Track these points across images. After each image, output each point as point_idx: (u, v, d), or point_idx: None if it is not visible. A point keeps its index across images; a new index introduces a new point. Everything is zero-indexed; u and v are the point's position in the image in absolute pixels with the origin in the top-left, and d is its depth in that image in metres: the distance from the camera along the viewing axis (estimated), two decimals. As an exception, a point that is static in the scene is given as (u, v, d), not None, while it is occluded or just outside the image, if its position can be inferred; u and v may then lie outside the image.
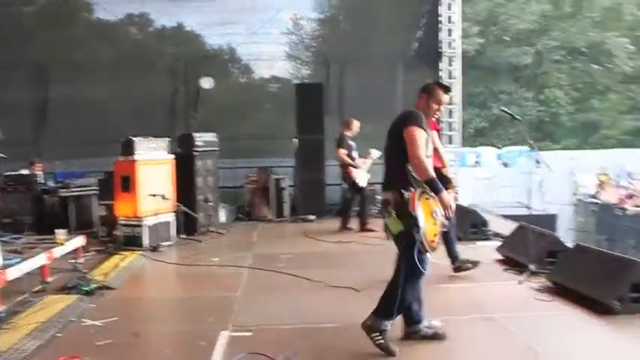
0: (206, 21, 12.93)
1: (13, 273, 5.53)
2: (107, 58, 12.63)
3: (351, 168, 9.76)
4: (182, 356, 4.36)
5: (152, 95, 12.40)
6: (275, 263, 7.56)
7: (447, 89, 4.73)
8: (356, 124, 10.10)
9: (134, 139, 8.61)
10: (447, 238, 6.71)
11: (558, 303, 5.68)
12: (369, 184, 10.11)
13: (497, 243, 8.09)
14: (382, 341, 4.39)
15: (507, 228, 8.62)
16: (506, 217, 11.12)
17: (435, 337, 4.68)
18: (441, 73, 13.23)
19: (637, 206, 14.72)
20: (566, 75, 36.88)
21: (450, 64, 13.34)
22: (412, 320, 4.68)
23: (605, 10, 36.99)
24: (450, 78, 13.30)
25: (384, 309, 4.44)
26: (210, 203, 10.00)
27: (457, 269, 6.75)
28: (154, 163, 8.86)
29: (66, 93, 12.06)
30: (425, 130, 4.38)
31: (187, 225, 9.59)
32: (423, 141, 4.32)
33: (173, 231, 9.13)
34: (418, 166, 4.24)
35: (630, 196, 15.31)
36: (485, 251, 7.76)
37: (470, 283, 6.53)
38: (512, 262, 7.17)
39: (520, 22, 35.81)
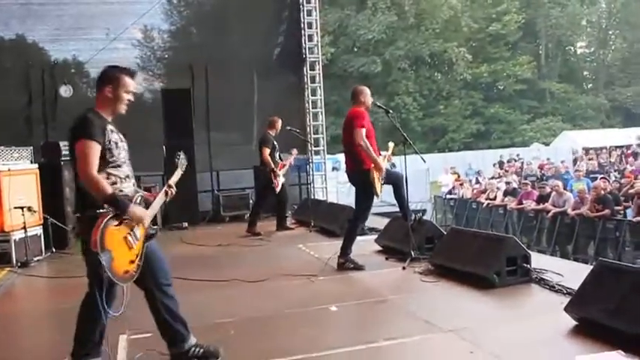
0: (49, 34, 12.44)
1: None
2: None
3: (275, 173, 9.66)
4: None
5: (1, 105, 11.63)
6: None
7: (132, 73, 4.06)
8: (278, 123, 10.01)
9: (-5, 148, 8.06)
10: (350, 234, 6.90)
11: (443, 282, 5.98)
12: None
13: (373, 236, 8.35)
14: None
15: (379, 223, 8.95)
16: (376, 214, 11.49)
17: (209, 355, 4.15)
18: (304, 78, 13.54)
19: (489, 199, 15.79)
20: (413, 82, 38.79)
21: (313, 69, 13.68)
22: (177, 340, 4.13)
23: (446, 21, 39.40)
24: (312, 83, 13.64)
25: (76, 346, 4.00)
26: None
27: (341, 265, 6.87)
28: (18, 174, 8.32)
29: None
30: (101, 142, 3.69)
31: (57, 238, 9.07)
32: (94, 155, 3.64)
33: (43, 245, 8.61)
34: (90, 186, 3.61)
35: (484, 191, 16.41)
36: (362, 245, 7.96)
37: (356, 272, 6.68)
38: (392, 251, 7.43)
39: (368, 33, 37.24)
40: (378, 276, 6.57)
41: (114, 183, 3.73)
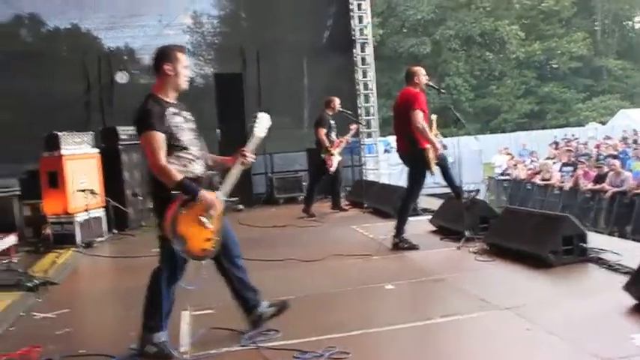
0: (101, 23, 12.72)
1: (-48, 272, 5.28)
2: (4, 57, 12.07)
3: (330, 154, 9.77)
4: (149, 337, 4.29)
5: (61, 93, 11.97)
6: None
7: (183, 49, 4.12)
8: (337, 103, 10.05)
9: (59, 134, 8.35)
10: (402, 213, 6.96)
11: (498, 261, 5.97)
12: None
13: (427, 217, 8.36)
14: (155, 350, 3.99)
15: (433, 204, 8.96)
16: (429, 195, 11.49)
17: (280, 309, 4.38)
18: (355, 59, 13.54)
19: (544, 180, 15.58)
20: (463, 63, 38.26)
21: (363, 50, 13.66)
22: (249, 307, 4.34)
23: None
24: (363, 64, 13.63)
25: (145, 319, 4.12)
26: (139, 197, 9.81)
27: (395, 245, 6.92)
28: (80, 158, 8.63)
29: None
30: (162, 130, 3.78)
31: (118, 220, 9.39)
32: (158, 145, 3.75)
33: (105, 226, 8.91)
34: (160, 175, 3.78)
35: (538, 172, 16.19)
36: (417, 225, 7.98)
37: (411, 252, 6.72)
38: (447, 231, 7.44)
39: (417, 13, 36.84)
40: (432, 255, 6.61)
41: (184, 165, 3.85)
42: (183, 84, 3.98)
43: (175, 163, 3.82)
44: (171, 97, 3.96)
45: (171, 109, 3.89)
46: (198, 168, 3.96)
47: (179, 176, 3.74)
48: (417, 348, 3.99)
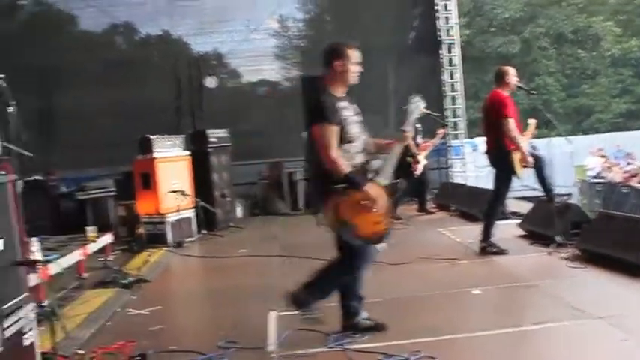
0: (190, 29, 13.08)
1: (54, 268, 5.53)
2: (101, 66, 12.61)
3: (416, 157, 9.73)
4: (237, 335, 4.37)
5: (153, 98, 12.41)
6: (303, 251, 7.58)
7: (354, 45, 4.22)
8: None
9: (151, 137, 8.66)
10: (489, 216, 6.83)
11: (591, 268, 5.75)
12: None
13: (516, 221, 8.15)
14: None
15: (522, 208, 8.72)
16: (518, 198, 11.19)
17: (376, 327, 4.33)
18: (441, 61, 13.38)
19: (641, 183, 14.93)
20: (554, 62, 37.07)
21: (450, 51, 13.48)
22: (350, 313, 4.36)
23: (590, -6, 37.28)
24: (450, 65, 13.44)
25: (315, 290, 4.26)
26: (227, 199, 10.04)
27: (483, 249, 6.78)
28: (171, 160, 8.93)
29: (69, 101, 12.07)
30: (337, 115, 3.93)
31: (207, 221, 9.64)
32: (332, 137, 3.88)
33: (194, 227, 9.17)
34: (330, 167, 3.88)
35: (634, 175, 15.50)
36: (505, 229, 7.79)
37: (499, 257, 6.57)
38: (536, 236, 7.22)
39: (505, 11, 35.97)
40: (521, 260, 6.44)
41: (348, 159, 3.97)
42: (353, 79, 4.14)
43: (342, 155, 3.93)
44: (340, 92, 4.13)
45: (342, 103, 4.06)
46: (359, 161, 4.06)
47: (347, 169, 3.86)
48: (506, 355, 3.89)
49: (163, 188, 8.61)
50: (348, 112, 4.07)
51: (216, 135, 10.03)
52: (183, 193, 8.80)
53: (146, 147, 8.65)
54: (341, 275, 4.28)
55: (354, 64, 4.11)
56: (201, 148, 9.83)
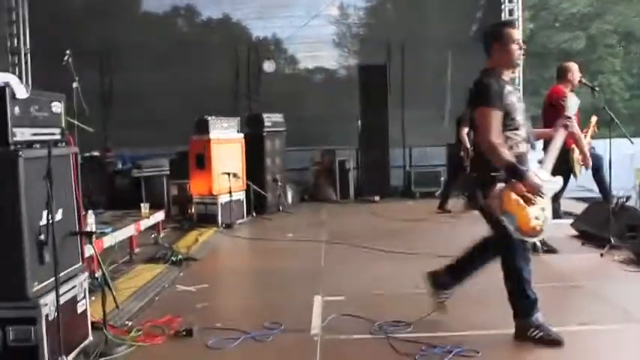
0: (251, 13, 13.18)
1: (107, 241, 5.69)
2: (162, 47, 12.80)
3: (468, 152, 9.64)
4: (281, 317, 4.41)
5: (211, 80, 12.54)
6: (350, 238, 7.62)
7: (512, 24, 4.07)
8: None
9: (208, 118, 8.78)
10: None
11: (647, 272, 5.60)
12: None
13: (569, 221, 7.97)
14: (541, 334, 3.89)
15: (576, 208, 8.54)
16: (572, 198, 10.94)
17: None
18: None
19: None
20: (621, 60, 35.99)
21: (512, 45, 13.19)
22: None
23: (663, -10, 36.00)
24: (512, 59, 13.16)
25: (517, 306, 4.01)
26: (278, 183, 10.12)
27: (533, 247, 6.62)
28: (226, 142, 9.04)
29: (128, 80, 12.30)
30: (502, 98, 3.75)
31: (257, 204, 9.75)
32: (494, 122, 3.72)
33: (245, 209, 9.29)
34: (490, 153, 3.72)
35: (698, 179, 14.95)
36: (558, 228, 7.59)
37: (549, 255, 6.44)
38: (590, 237, 7.04)
39: (572, 6, 35.06)
40: (572, 261, 6.30)
41: (511, 147, 3.80)
42: (517, 60, 3.97)
43: (505, 142, 3.78)
44: (505, 76, 3.97)
45: (508, 87, 3.88)
46: (523, 150, 3.89)
47: (509, 157, 3.69)
48: (548, 353, 3.80)
49: (217, 169, 8.71)
50: (514, 97, 3.86)
51: (271, 119, 10.10)
52: (235, 175, 8.89)
53: (202, 127, 8.77)
54: (486, 262, 4.23)
55: (515, 43, 3.90)
56: (256, 132, 9.92)
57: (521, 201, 3.68)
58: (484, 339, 3.97)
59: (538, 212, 3.75)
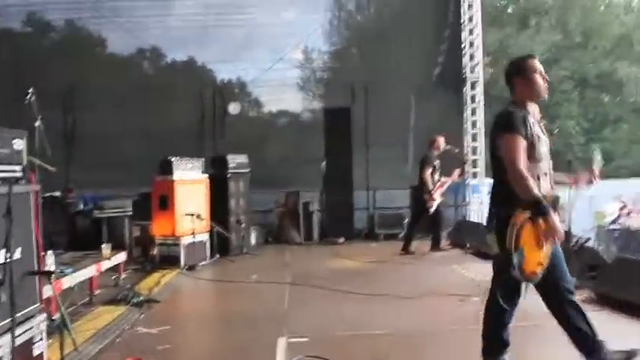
0: (216, 56, 13.22)
1: (67, 281, 5.57)
2: (127, 88, 12.79)
3: (431, 194, 9.73)
4: (244, 358, 4.37)
5: (176, 122, 12.55)
6: (314, 280, 7.60)
7: (533, 56, 3.93)
8: (441, 142, 10.00)
9: (172, 159, 8.75)
10: None
11: (605, 312, 5.66)
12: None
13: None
14: None
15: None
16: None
17: None
18: (465, 98, 13.43)
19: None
20: (576, 105, 36.98)
21: (473, 89, 13.53)
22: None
23: (616, 38, 37.30)
24: (473, 102, 13.47)
25: (488, 343, 4.03)
26: (242, 225, 10.07)
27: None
28: (190, 183, 9.00)
29: (92, 121, 12.22)
30: (528, 128, 3.64)
31: (221, 246, 9.66)
32: (522, 151, 3.58)
33: (208, 251, 9.20)
34: (517, 184, 3.53)
35: (655, 221, 15.27)
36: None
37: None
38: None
39: (532, 52, 36.01)
40: (535, 300, 6.32)
41: (533, 180, 3.64)
42: (541, 90, 3.86)
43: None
44: (530, 107, 3.85)
45: (531, 119, 3.76)
46: (545, 185, 3.77)
47: (536, 191, 3.53)
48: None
49: (180, 210, 8.65)
50: (537, 128, 3.76)
51: (235, 160, 10.10)
52: (198, 217, 8.83)
53: (166, 168, 8.73)
54: (496, 311, 3.97)
55: (537, 73, 3.82)
56: (220, 173, 9.90)
57: (534, 242, 3.54)
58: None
59: (544, 258, 3.63)
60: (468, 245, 9.95)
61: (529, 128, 3.66)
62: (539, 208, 3.49)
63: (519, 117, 3.66)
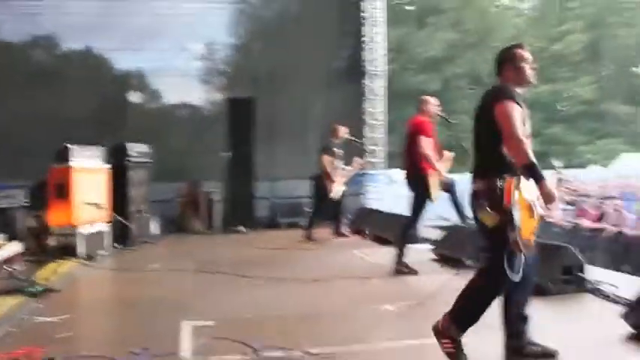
0: (114, 45, 12.91)
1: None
2: (21, 75, 12.30)
3: (331, 179, 9.87)
4: (149, 343, 4.32)
5: (74, 111, 12.16)
6: (218, 267, 7.62)
7: (522, 45, 3.97)
8: (342, 130, 10.17)
9: (70, 146, 8.47)
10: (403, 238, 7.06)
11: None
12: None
13: (428, 246, 8.39)
14: (452, 350, 3.83)
15: (434, 234, 9.01)
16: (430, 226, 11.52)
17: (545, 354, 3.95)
18: (365, 90, 13.75)
19: (546, 217, 15.59)
20: (469, 101, 38.44)
21: (374, 82, 13.87)
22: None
23: (508, 40, 39.03)
24: (373, 95, 13.82)
25: (459, 316, 3.88)
26: (143, 214, 9.91)
27: (395, 270, 6.98)
28: (89, 172, 8.74)
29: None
30: (520, 106, 3.65)
31: (121, 235, 9.45)
32: (519, 117, 3.59)
33: (108, 241, 9.00)
34: (515, 148, 3.53)
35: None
36: (418, 252, 7.92)
37: (411, 277, 6.81)
38: (447, 259, 7.49)
39: (429, 50, 37.22)
40: (431, 281, 6.63)
41: None
42: (529, 77, 3.86)
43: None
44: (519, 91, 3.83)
45: (519, 99, 3.72)
46: None
47: (532, 156, 3.50)
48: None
49: (78, 199, 8.40)
50: (525, 110, 3.74)
51: (136, 149, 9.92)
52: (97, 206, 8.62)
53: (63, 156, 8.41)
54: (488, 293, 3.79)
55: (526, 62, 3.85)
56: (121, 162, 9.69)
57: (527, 209, 3.52)
58: (350, 353, 4.11)
59: (533, 228, 3.62)
60: (367, 232, 10.23)
61: (521, 104, 3.69)
62: (535, 174, 3.50)
63: (513, 90, 3.72)
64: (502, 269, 3.56)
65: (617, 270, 11.65)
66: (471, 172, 3.85)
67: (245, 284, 6.63)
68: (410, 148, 6.90)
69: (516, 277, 3.60)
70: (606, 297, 5.33)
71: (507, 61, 3.87)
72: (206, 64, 14.26)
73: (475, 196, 3.75)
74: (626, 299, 4.93)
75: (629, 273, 11.24)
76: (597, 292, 5.46)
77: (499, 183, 3.53)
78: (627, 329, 4.36)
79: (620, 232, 12.47)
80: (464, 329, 3.82)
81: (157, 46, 12.84)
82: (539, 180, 3.47)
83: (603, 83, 41.17)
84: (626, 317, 4.43)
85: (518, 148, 3.51)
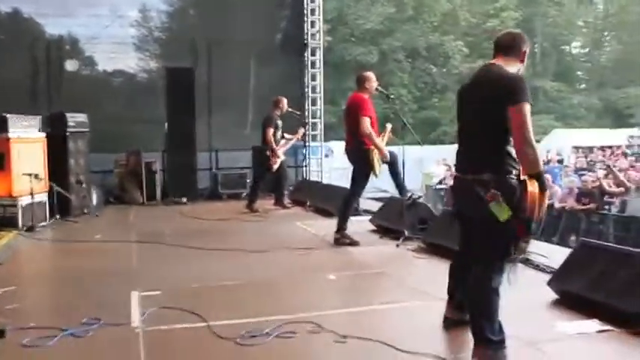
0: (45, 10, 12.48)
1: None
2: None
3: (275, 152, 9.95)
4: (99, 313, 4.40)
5: (10, 79, 11.80)
6: (161, 238, 7.69)
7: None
8: (284, 103, 10.23)
9: (7, 115, 8.30)
10: (344, 209, 7.25)
11: (434, 259, 6.27)
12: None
13: (368, 217, 8.64)
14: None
15: (373, 206, 9.29)
16: (370, 199, 11.80)
17: None
18: (306, 63, 13.83)
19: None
20: (408, 75, 38.98)
21: (314, 55, 13.96)
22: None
23: (444, 15, 39.63)
24: (313, 68, 13.92)
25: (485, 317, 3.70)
26: (82, 185, 9.80)
27: (337, 240, 7.20)
28: (27, 142, 8.60)
29: None
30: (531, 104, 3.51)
31: (61, 206, 9.32)
32: (529, 122, 3.44)
33: (47, 211, 8.90)
34: (529, 155, 3.39)
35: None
36: (358, 224, 8.15)
37: (352, 247, 7.02)
38: (386, 231, 7.75)
39: (367, 23, 37.41)
40: (372, 251, 6.90)
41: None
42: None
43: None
44: None
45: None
46: None
47: (542, 164, 3.49)
48: (356, 328, 4.14)
49: (17, 170, 8.26)
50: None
51: (75, 119, 9.74)
52: (36, 176, 8.49)
53: (2, 126, 8.24)
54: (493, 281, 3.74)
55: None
56: (59, 132, 9.50)
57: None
58: (297, 322, 4.26)
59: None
60: (308, 203, 10.42)
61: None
62: (543, 182, 3.42)
63: (527, 87, 3.58)
64: (505, 256, 3.64)
65: (548, 241, 12.28)
66: (470, 161, 3.72)
67: (189, 255, 6.73)
68: (350, 122, 7.08)
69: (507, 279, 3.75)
70: (536, 267, 5.66)
71: (524, 43, 3.79)
72: (141, 31, 13.98)
73: (483, 189, 3.49)
74: (553, 268, 5.27)
75: (557, 244, 11.88)
76: (527, 262, 5.77)
77: (512, 180, 3.48)
78: (552, 295, 4.73)
79: (550, 205, 13.01)
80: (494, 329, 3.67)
81: (91, 11, 12.54)
82: (543, 190, 3.40)
83: (535, 60, 42.33)
84: (551, 284, 4.81)
85: (533, 156, 3.41)
